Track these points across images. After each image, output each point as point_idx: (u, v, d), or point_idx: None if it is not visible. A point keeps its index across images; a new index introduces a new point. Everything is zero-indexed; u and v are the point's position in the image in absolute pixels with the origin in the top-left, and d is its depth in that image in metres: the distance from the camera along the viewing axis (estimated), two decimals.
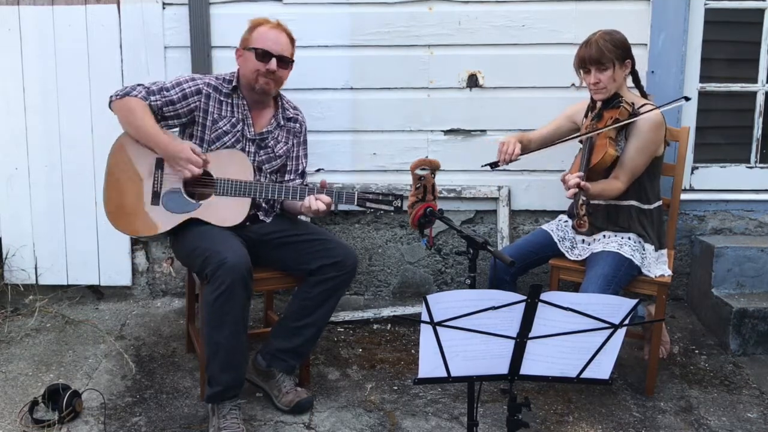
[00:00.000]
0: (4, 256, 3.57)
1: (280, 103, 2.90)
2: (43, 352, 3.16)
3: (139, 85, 2.75)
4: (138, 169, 2.72)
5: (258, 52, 2.71)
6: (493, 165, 2.94)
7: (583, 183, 2.56)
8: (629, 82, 2.87)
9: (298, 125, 2.95)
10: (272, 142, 2.85)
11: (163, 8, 3.41)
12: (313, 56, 3.42)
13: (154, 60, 3.43)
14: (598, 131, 2.70)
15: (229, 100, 2.79)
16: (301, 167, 2.98)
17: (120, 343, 3.23)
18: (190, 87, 2.75)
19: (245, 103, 2.81)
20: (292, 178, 2.95)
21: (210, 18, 3.38)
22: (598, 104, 2.81)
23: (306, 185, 2.75)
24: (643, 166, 2.76)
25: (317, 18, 3.41)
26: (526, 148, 2.97)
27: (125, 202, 2.71)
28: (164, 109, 2.72)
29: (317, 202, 2.63)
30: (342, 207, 3.50)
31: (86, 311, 3.56)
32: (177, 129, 2.85)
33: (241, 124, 2.79)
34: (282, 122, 2.89)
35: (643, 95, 2.90)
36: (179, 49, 3.42)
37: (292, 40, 2.82)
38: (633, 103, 2.74)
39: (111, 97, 2.75)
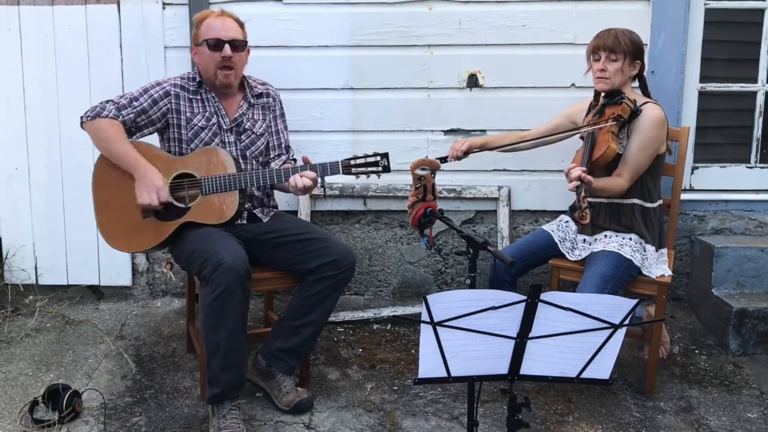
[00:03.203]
0: (4, 256, 3.57)
1: (246, 83, 2.89)
2: (43, 352, 3.16)
3: (108, 101, 2.74)
4: (122, 186, 2.69)
5: (210, 43, 2.71)
6: (442, 159, 3.08)
7: (584, 176, 2.57)
8: (635, 85, 2.90)
9: (270, 99, 2.94)
10: (248, 123, 2.85)
11: (163, 8, 3.40)
12: (313, 56, 3.43)
13: (154, 60, 3.43)
14: (600, 126, 2.71)
15: (198, 96, 2.80)
16: (283, 141, 2.97)
17: (120, 343, 3.23)
18: (157, 91, 2.76)
19: (213, 95, 2.81)
20: (277, 153, 2.94)
21: None
22: (601, 101, 2.83)
23: (292, 160, 2.75)
24: (647, 164, 2.76)
25: (317, 18, 3.40)
26: (486, 147, 3.15)
27: (117, 220, 2.71)
28: (137, 120, 2.73)
29: (303, 179, 2.63)
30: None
31: (86, 311, 3.56)
32: (154, 135, 2.84)
33: (215, 116, 2.80)
34: (252, 101, 2.88)
35: (647, 97, 2.90)
36: (179, 49, 3.42)
37: (240, 24, 2.81)
38: (635, 100, 2.75)
39: (81, 117, 2.73)
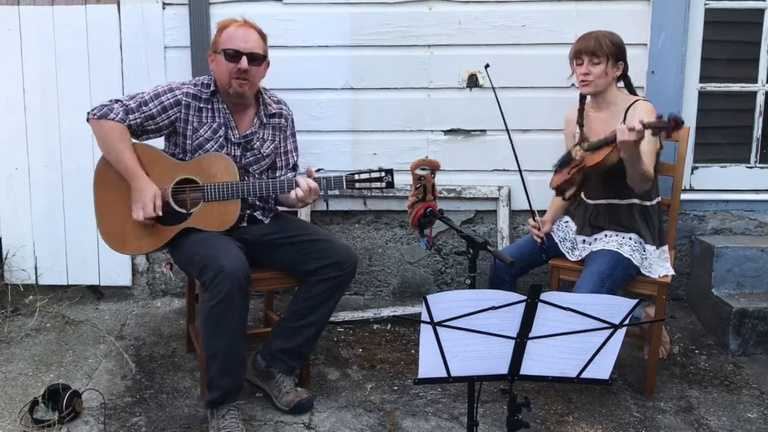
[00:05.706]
0: (4, 256, 3.57)
1: (261, 99, 2.83)
2: (43, 352, 3.16)
3: (117, 102, 2.68)
4: (123, 187, 2.67)
5: (228, 53, 2.64)
6: (545, 252, 2.95)
7: (638, 123, 2.41)
8: (621, 85, 2.89)
9: (282, 120, 2.88)
10: (257, 143, 2.81)
11: (163, 8, 3.41)
12: (313, 56, 3.43)
13: (154, 60, 3.43)
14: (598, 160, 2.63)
15: (209, 106, 2.74)
16: (291, 161, 2.94)
17: (120, 343, 3.23)
18: (168, 99, 2.70)
19: (225, 106, 2.75)
20: (284, 173, 2.91)
21: (210, 18, 3.38)
22: (588, 107, 2.81)
23: (294, 177, 2.73)
24: (653, 152, 2.71)
25: (317, 18, 3.40)
26: (555, 217, 3.04)
27: (117, 221, 2.70)
28: (144, 124, 2.69)
29: (302, 186, 2.60)
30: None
31: (86, 311, 3.56)
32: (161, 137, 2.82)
33: (223, 128, 2.74)
34: (265, 120, 2.82)
35: (634, 95, 2.90)
36: (179, 49, 3.42)
37: (263, 36, 2.74)
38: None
39: (88, 113, 2.68)
